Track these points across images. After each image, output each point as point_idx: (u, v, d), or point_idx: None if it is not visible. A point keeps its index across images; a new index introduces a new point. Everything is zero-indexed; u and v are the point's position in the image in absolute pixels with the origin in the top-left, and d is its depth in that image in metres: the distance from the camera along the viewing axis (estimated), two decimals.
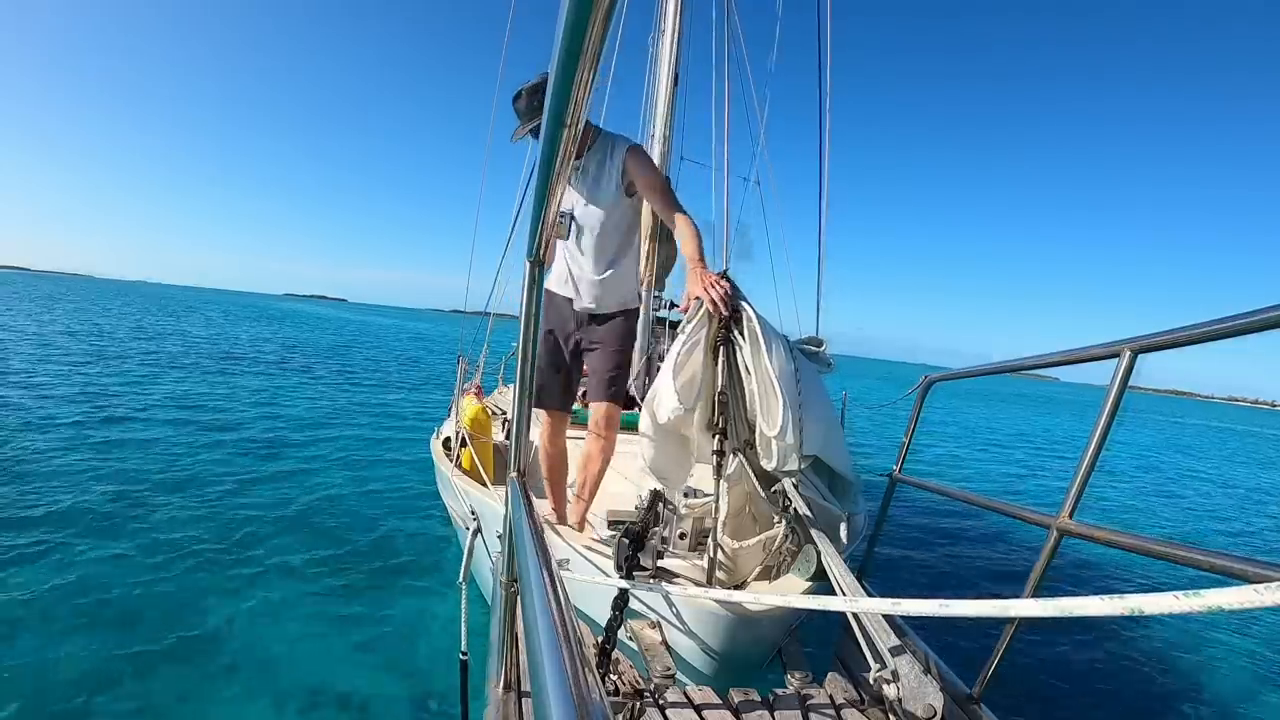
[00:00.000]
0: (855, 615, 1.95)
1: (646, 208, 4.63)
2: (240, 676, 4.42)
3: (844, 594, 2.11)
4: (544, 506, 4.18)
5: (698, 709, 1.94)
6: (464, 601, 3.20)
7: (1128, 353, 1.71)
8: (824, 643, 2.89)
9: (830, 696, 1.92)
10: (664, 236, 4.68)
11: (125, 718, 3.94)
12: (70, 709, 3.92)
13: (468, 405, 5.37)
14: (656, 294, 4.80)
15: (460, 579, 3.41)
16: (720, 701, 1.98)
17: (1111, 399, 1.74)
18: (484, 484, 4.21)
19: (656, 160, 4.76)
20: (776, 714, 1.90)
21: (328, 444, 11.42)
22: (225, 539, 6.60)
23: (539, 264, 1.51)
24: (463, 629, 3.16)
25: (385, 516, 7.75)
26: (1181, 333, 1.57)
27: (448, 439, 5.88)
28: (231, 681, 4.36)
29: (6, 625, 4.67)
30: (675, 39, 4.89)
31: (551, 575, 1.01)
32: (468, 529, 4.24)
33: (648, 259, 4.68)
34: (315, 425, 13.09)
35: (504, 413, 6.22)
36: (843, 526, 3.03)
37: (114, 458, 9.08)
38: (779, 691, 2.02)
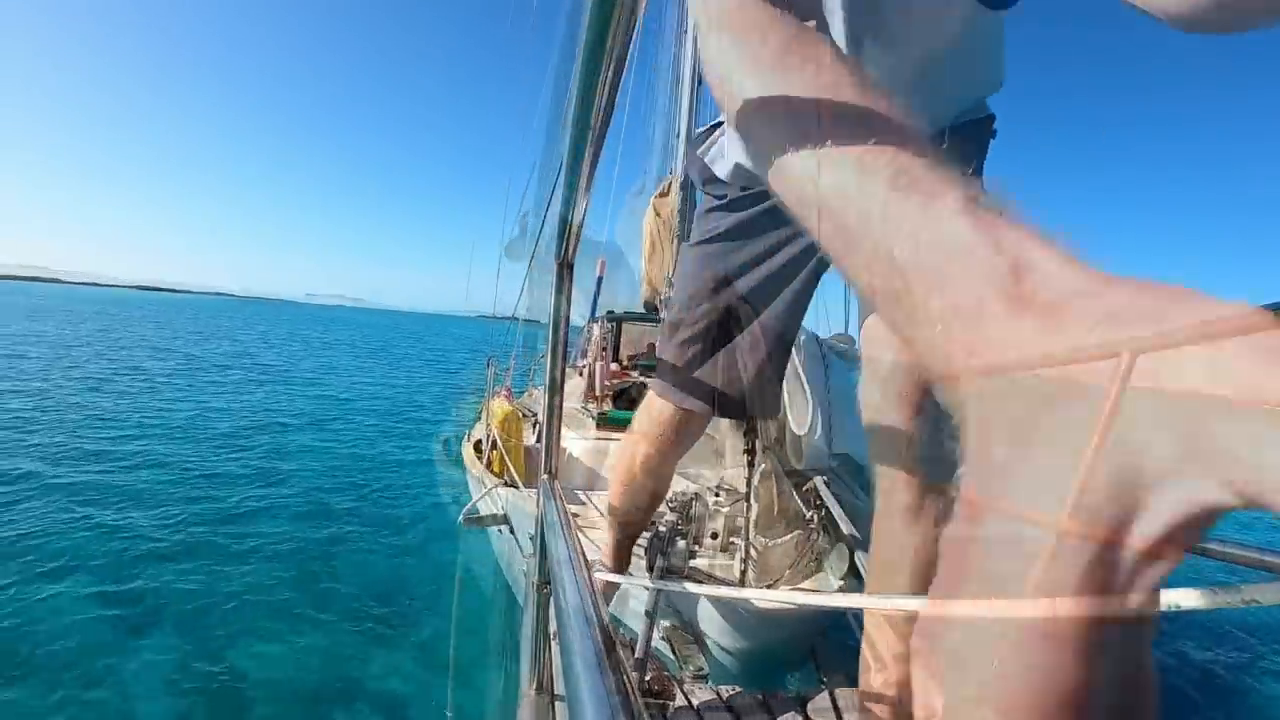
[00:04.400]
0: None
1: (671, 204, 4.63)
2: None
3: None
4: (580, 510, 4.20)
5: (730, 708, 1.94)
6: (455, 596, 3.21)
7: (1127, 355, 1.66)
8: (858, 642, 2.89)
9: (864, 696, 1.91)
10: (683, 238, 4.68)
11: None
12: None
13: (498, 408, 5.39)
14: None
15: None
16: (752, 701, 1.97)
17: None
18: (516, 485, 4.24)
19: (680, 158, 4.76)
20: (810, 713, 1.90)
21: None
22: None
23: (567, 266, 1.51)
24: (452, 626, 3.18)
25: None
26: (1183, 334, 1.52)
27: (478, 442, 5.92)
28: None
29: None
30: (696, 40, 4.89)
31: (585, 578, 1.01)
32: (500, 531, 4.27)
33: (667, 260, 4.68)
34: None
35: (534, 415, 6.24)
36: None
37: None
38: (812, 691, 2.01)
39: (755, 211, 1.72)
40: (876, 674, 1.54)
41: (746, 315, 1.81)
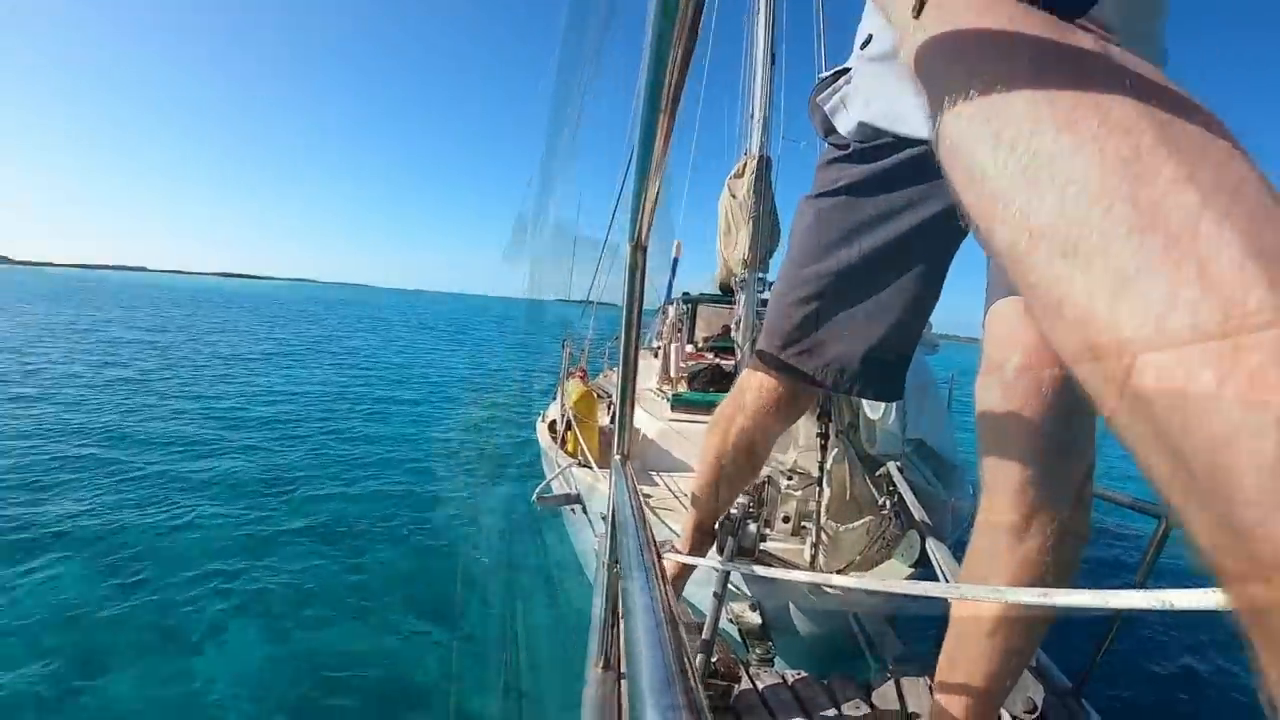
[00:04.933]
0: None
1: (745, 185, 4.58)
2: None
3: (948, 581, 2.06)
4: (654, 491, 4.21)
5: (794, 691, 1.93)
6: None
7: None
8: (926, 630, 2.85)
9: (929, 685, 1.89)
10: (765, 214, 4.63)
11: None
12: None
13: (573, 388, 5.43)
14: (760, 275, 4.75)
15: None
16: (816, 685, 1.96)
17: None
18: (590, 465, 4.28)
19: (756, 140, 4.71)
20: (873, 700, 1.88)
21: None
22: None
23: (641, 249, 1.50)
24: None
25: None
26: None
27: (553, 422, 5.98)
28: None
29: None
30: (769, 18, 4.83)
31: (654, 559, 1.02)
32: (574, 510, 4.31)
33: (751, 239, 4.64)
34: None
35: (609, 395, 6.27)
36: (949, 512, 2.96)
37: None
38: (878, 679, 1.99)
39: (888, 164, 1.53)
40: (954, 668, 1.48)
41: (870, 278, 1.61)
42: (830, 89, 1.63)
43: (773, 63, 4.73)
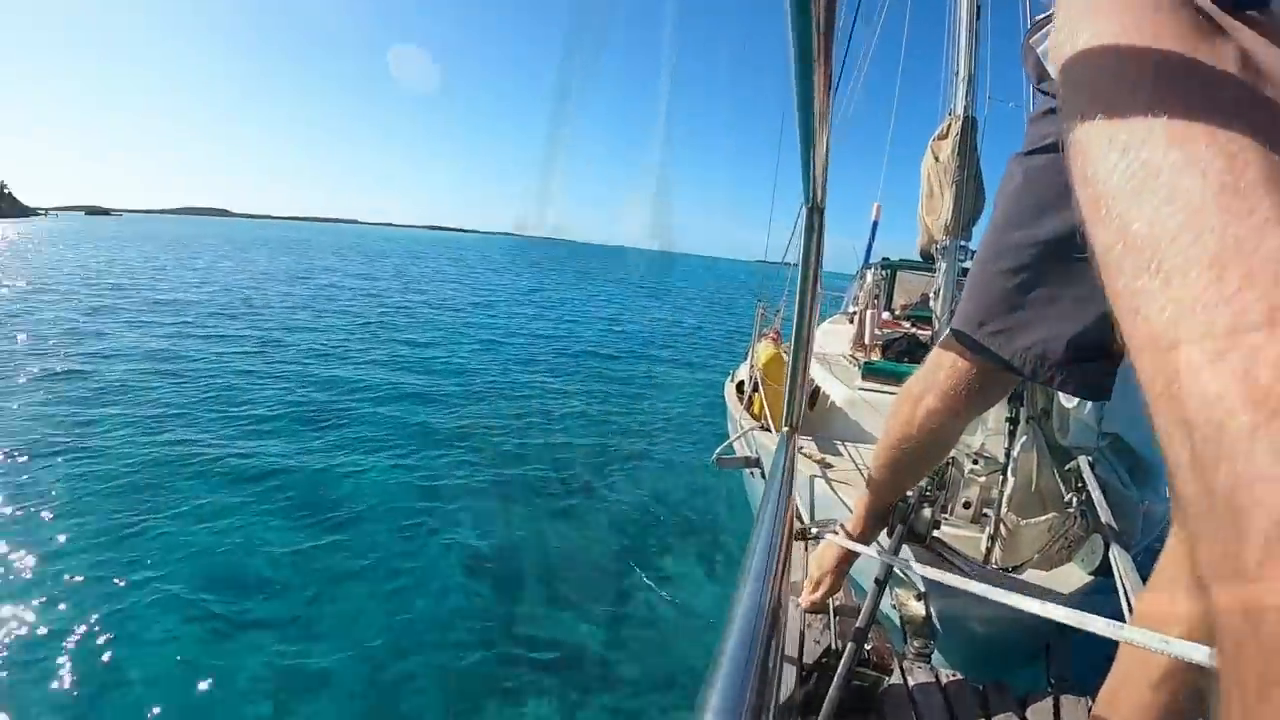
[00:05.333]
0: None
1: (949, 147, 4.33)
2: None
3: (1127, 598, 1.88)
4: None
5: (945, 693, 1.82)
6: None
7: None
8: (1099, 648, 2.63)
9: (1089, 707, 1.73)
10: (969, 179, 4.37)
11: None
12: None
13: (763, 350, 5.39)
14: (962, 243, 4.50)
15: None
16: (969, 689, 1.84)
17: None
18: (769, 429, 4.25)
19: (961, 101, 4.43)
20: (1027, 715, 1.74)
21: None
22: None
23: (816, 210, 1.43)
24: None
25: None
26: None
27: (741, 382, 5.97)
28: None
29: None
30: None
31: (780, 536, 0.97)
32: (752, 473, 4.29)
33: (954, 205, 4.39)
34: None
35: None
36: (1139, 517, 2.69)
37: None
38: (1037, 694, 1.84)
39: None
40: (1114, 707, 1.33)
41: (1084, 252, 1.40)
42: (1044, 30, 1.44)
43: (977, 15, 4.44)
